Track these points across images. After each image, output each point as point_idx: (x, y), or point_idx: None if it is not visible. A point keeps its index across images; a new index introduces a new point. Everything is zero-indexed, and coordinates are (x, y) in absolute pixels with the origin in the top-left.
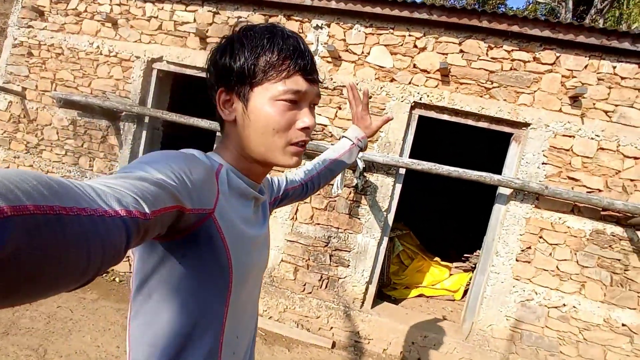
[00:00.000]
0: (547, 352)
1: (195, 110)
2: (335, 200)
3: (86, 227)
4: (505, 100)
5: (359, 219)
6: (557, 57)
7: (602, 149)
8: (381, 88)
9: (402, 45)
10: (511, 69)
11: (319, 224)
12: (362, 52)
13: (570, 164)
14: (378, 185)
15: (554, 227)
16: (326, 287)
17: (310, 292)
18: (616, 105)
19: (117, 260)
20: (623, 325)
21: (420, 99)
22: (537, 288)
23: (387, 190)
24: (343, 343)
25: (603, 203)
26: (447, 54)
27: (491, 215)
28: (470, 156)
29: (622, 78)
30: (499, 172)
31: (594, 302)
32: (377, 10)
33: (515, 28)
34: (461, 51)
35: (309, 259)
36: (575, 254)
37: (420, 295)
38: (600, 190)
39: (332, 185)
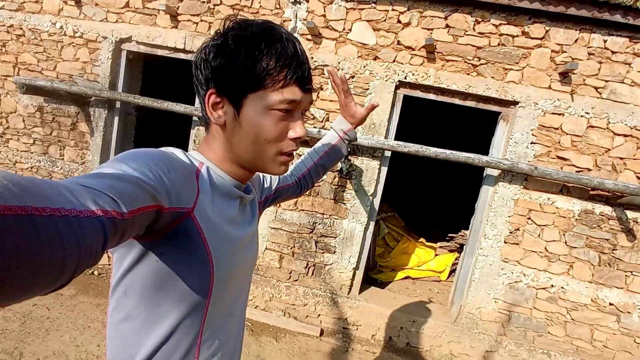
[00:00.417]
0: (535, 333)
1: (170, 94)
2: (319, 185)
3: (61, 228)
4: (493, 77)
5: (345, 204)
6: (547, 31)
7: (592, 126)
8: (364, 67)
9: (385, 20)
10: (499, 44)
11: (303, 210)
12: (344, 29)
13: (559, 143)
14: (363, 168)
15: (542, 208)
16: (312, 274)
17: (296, 280)
18: (606, 81)
19: (94, 261)
20: (610, 304)
21: (405, 78)
22: (525, 270)
23: (373, 173)
24: (331, 330)
25: (593, 183)
26: (432, 29)
27: (479, 196)
28: (457, 137)
29: (613, 52)
30: (486, 153)
31: (582, 282)
32: None
33: (503, 0)
34: (447, 26)
35: (294, 247)
36: (564, 234)
37: (406, 277)
38: (589, 170)
39: None
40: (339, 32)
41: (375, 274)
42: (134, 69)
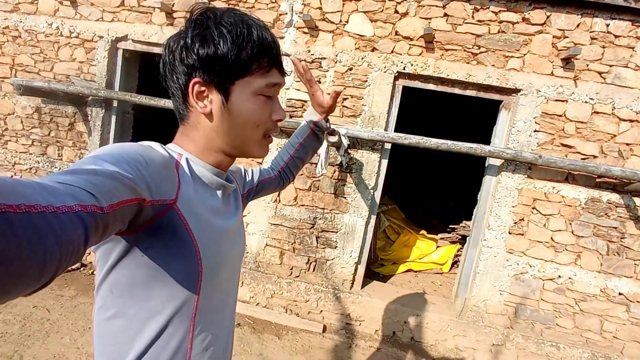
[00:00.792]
0: (542, 326)
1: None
2: (319, 180)
3: (38, 224)
4: (493, 65)
5: (345, 198)
6: (548, 17)
7: (597, 112)
8: (362, 59)
9: (382, 11)
10: (499, 31)
11: (303, 205)
12: (340, 21)
13: (563, 130)
14: (363, 162)
15: (547, 197)
16: (314, 269)
17: (297, 276)
18: (610, 66)
19: (76, 258)
20: (620, 294)
21: (404, 69)
22: (531, 261)
23: (373, 166)
24: (334, 326)
25: (600, 170)
26: (430, 18)
27: (481, 187)
28: (458, 127)
29: (616, 36)
30: (488, 143)
31: (590, 272)
32: None
33: None
34: (445, 15)
35: (294, 242)
36: (570, 224)
37: (408, 270)
38: (595, 157)
39: (317, 164)
40: (336, 24)
41: (376, 268)
42: (130, 68)
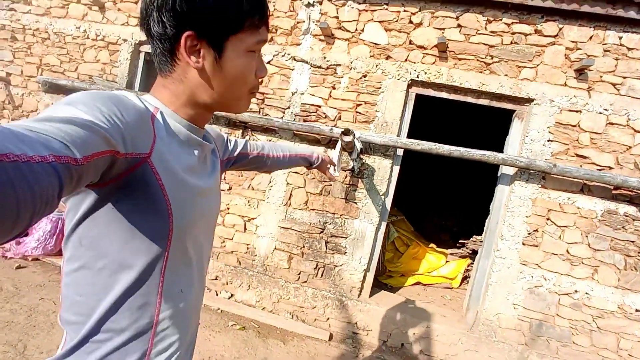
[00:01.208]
0: (558, 343)
1: None
2: (330, 185)
3: (10, 173)
4: (506, 75)
5: (356, 203)
6: (560, 29)
7: (611, 123)
8: (376, 66)
9: (397, 21)
10: (512, 42)
11: (314, 209)
12: (356, 30)
13: (577, 140)
14: (375, 167)
15: (562, 208)
16: (322, 275)
17: (305, 281)
18: (624, 77)
19: (50, 208)
20: (637, 310)
21: (418, 77)
22: (546, 274)
23: (385, 172)
24: (340, 335)
25: (616, 181)
26: (444, 29)
27: (494, 196)
28: (470, 137)
29: (629, 49)
30: (500, 152)
31: (607, 287)
32: None
33: None
34: (459, 25)
35: (303, 247)
36: (587, 236)
37: (417, 283)
38: (611, 168)
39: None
40: (352, 32)
41: (384, 279)
42: (150, 69)
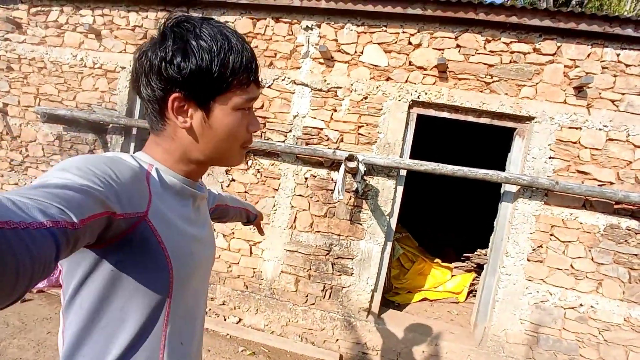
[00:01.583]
0: (566, 356)
1: None
2: (335, 206)
3: (11, 240)
4: (506, 94)
5: (361, 224)
6: (559, 47)
7: (611, 139)
8: (377, 88)
9: (396, 42)
10: (511, 61)
11: (319, 231)
12: (355, 52)
13: (578, 156)
14: (379, 188)
15: (565, 224)
16: (330, 297)
17: (313, 304)
18: (623, 94)
19: (47, 273)
20: None
21: (418, 97)
22: (551, 288)
23: (389, 193)
24: (350, 356)
25: (618, 196)
26: (443, 49)
27: (498, 214)
28: (472, 156)
29: (627, 65)
30: (503, 169)
31: (612, 300)
32: (369, 7)
33: (513, 19)
34: (458, 46)
35: (310, 269)
36: (590, 250)
37: (423, 299)
38: (612, 183)
39: (333, 190)
40: (351, 55)
41: (391, 296)
42: None
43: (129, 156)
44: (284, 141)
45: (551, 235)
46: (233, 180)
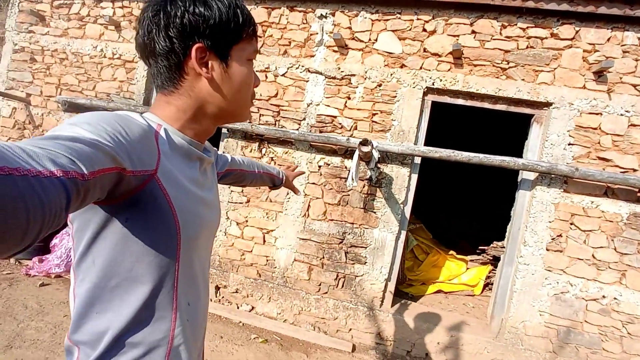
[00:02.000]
0: (588, 350)
1: None
2: (348, 194)
3: (21, 186)
4: (523, 80)
5: (375, 212)
6: (577, 32)
7: (634, 125)
8: (391, 75)
9: (410, 29)
10: (528, 47)
11: (332, 219)
12: (369, 39)
13: (599, 143)
14: (393, 176)
15: (586, 212)
16: (343, 286)
17: (326, 292)
18: None
19: (58, 221)
20: None
21: (433, 84)
22: (572, 279)
23: (403, 181)
24: (364, 346)
25: None
26: (458, 35)
27: (515, 202)
28: (488, 144)
29: None
30: (520, 157)
31: (636, 292)
32: None
33: (530, 4)
34: (473, 32)
35: (323, 257)
36: (612, 240)
37: (438, 292)
38: (635, 170)
39: (347, 178)
40: (365, 42)
41: (405, 288)
42: None
43: (139, 115)
44: (297, 129)
45: (571, 224)
46: None
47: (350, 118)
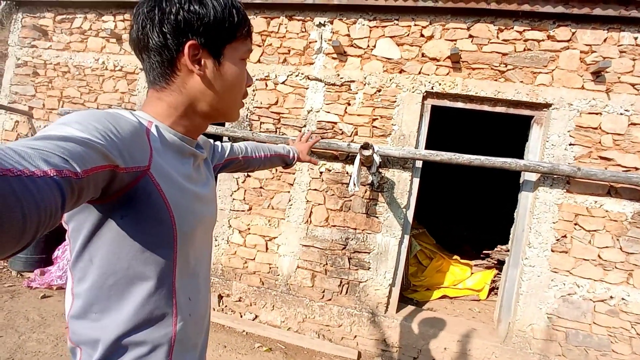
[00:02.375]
0: (597, 352)
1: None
2: (350, 200)
3: (15, 187)
4: (522, 82)
5: (377, 217)
6: (573, 33)
7: (634, 124)
8: (390, 80)
9: (408, 35)
10: (525, 49)
11: (335, 225)
12: (368, 46)
13: (600, 142)
14: (395, 180)
15: (590, 212)
16: (347, 292)
17: (330, 299)
18: None
19: (54, 221)
20: None
21: (432, 88)
22: (578, 280)
23: (405, 185)
24: (369, 353)
25: None
26: (455, 40)
27: (518, 203)
28: (488, 146)
29: None
30: (521, 158)
31: None
32: (380, 2)
33: (525, 7)
34: (470, 36)
35: (326, 264)
36: (618, 239)
37: (443, 297)
38: (637, 169)
39: (348, 183)
40: (364, 49)
41: (409, 294)
42: None
43: (129, 112)
44: None
45: (575, 224)
46: (248, 175)
47: (351, 124)
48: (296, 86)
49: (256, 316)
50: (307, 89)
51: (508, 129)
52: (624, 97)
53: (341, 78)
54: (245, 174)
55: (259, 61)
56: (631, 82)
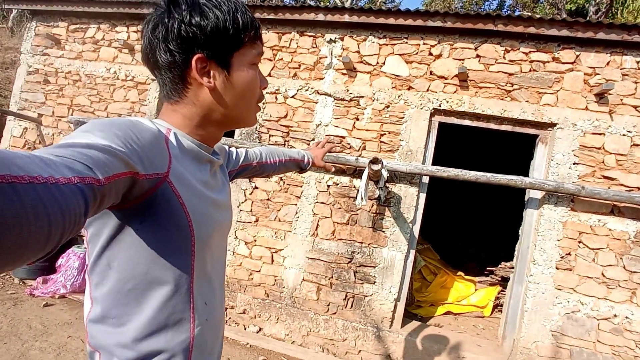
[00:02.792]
0: None
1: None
2: (357, 214)
3: (42, 194)
4: (527, 101)
5: (384, 232)
6: (577, 56)
7: (636, 145)
8: (399, 97)
9: (417, 53)
10: (531, 70)
11: (341, 239)
12: (377, 63)
13: (603, 162)
14: (402, 195)
15: (594, 230)
16: (352, 306)
17: (334, 313)
18: None
19: (78, 227)
20: None
21: (440, 106)
22: (582, 298)
23: (412, 200)
24: None
25: None
26: (463, 59)
27: (523, 221)
28: (494, 163)
29: None
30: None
31: None
32: (391, 21)
33: (532, 29)
34: (477, 56)
35: (332, 277)
36: (621, 258)
37: (447, 313)
38: (639, 189)
39: (356, 197)
40: (373, 65)
41: (414, 309)
42: None
43: (148, 120)
44: (306, 149)
45: (579, 242)
46: (256, 187)
47: (359, 138)
48: (306, 100)
49: (260, 329)
50: (316, 103)
51: (514, 147)
52: (626, 118)
53: (350, 93)
54: (253, 185)
55: (269, 75)
56: (633, 105)
